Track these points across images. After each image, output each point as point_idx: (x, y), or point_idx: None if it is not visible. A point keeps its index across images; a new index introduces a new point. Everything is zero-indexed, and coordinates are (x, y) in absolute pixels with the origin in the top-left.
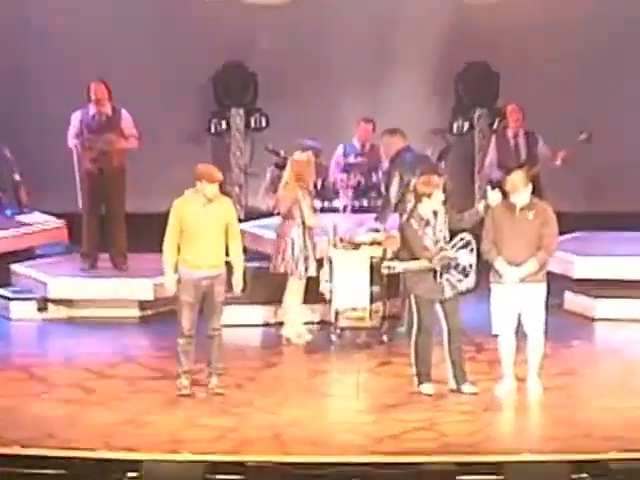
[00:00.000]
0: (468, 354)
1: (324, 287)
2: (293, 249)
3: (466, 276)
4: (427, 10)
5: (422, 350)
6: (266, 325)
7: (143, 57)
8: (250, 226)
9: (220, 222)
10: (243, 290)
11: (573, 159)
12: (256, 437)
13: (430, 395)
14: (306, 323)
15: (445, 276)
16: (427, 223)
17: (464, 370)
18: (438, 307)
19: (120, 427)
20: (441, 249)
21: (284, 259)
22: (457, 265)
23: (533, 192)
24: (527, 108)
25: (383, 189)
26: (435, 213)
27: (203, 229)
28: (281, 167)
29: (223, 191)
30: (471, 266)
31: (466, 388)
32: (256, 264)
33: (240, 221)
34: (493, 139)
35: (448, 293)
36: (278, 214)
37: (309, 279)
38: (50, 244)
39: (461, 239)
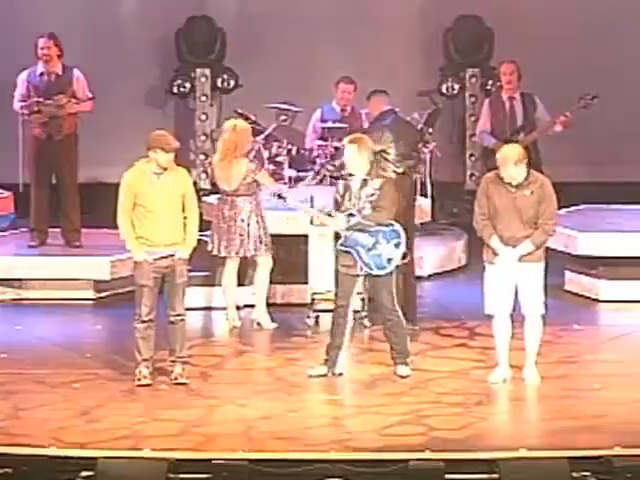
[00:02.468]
0: (459, 340)
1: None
2: (249, 228)
3: (380, 268)
4: None
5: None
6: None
7: (96, 8)
8: (216, 198)
9: (176, 194)
10: (209, 270)
11: (574, 124)
12: (223, 432)
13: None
14: (280, 305)
15: (351, 250)
16: (346, 188)
17: (402, 350)
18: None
19: (72, 421)
20: (350, 215)
21: (244, 242)
22: (371, 249)
23: (530, 162)
24: (524, 68)
25: None
26: (363, 182)
27: (158, 203)
28: (252, 133)
29: (178, 162)
30: (390, 260)
31: (399, 369)
32: None
33: (205, 192)
34: (486, 102)
35: (359, 270)
36: (215, 192)
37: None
38: None
39: (387, 225)
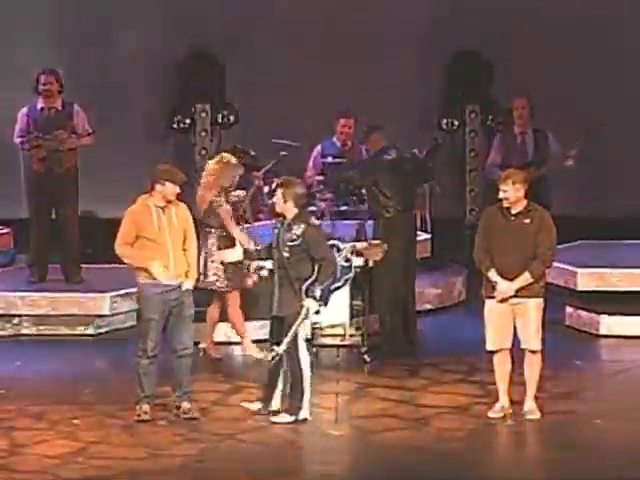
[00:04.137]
0: (459, 375)
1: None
2: (210, 261)
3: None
4: None
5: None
6: (230, 343)
7: (96, 44)
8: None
9: (180, 227)
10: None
11: (581, 158)
12: (224, 467)
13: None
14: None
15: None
16: (278, 231)
17: (290, 396)
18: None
19: (72, 457)
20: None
21: (207, 274)
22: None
23: (537, 196)
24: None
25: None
26: (288, 225)
27: (165, 236)
28: (251, 169)
29: (179, 197)
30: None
31: (278, 416)
32: None
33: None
34: (497, 136)
35: (275, 312)
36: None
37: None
38: None
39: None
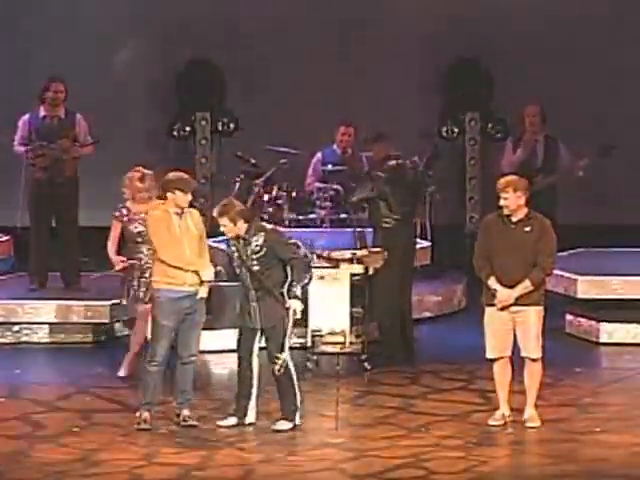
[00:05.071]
0: (459, 383)
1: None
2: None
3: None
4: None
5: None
6: (232, 351)
7: (96, 52)
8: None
9: (197, 233)
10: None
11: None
12: (223, 476)
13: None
14: None
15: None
16: (236, 248)
17: (284, 406)
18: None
19: (72, 465)
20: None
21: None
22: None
23: (540, 206)
24: (522, 111)
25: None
26: (244, 240)
27: (184, 241)
28: (252, 176)
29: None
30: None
31: (277, 424)
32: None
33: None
34: (508, 142)
35: (257, 324)
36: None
37: None
38: None
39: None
